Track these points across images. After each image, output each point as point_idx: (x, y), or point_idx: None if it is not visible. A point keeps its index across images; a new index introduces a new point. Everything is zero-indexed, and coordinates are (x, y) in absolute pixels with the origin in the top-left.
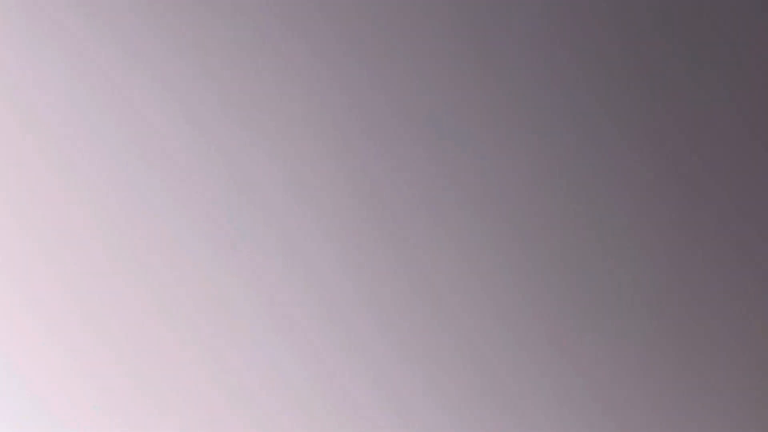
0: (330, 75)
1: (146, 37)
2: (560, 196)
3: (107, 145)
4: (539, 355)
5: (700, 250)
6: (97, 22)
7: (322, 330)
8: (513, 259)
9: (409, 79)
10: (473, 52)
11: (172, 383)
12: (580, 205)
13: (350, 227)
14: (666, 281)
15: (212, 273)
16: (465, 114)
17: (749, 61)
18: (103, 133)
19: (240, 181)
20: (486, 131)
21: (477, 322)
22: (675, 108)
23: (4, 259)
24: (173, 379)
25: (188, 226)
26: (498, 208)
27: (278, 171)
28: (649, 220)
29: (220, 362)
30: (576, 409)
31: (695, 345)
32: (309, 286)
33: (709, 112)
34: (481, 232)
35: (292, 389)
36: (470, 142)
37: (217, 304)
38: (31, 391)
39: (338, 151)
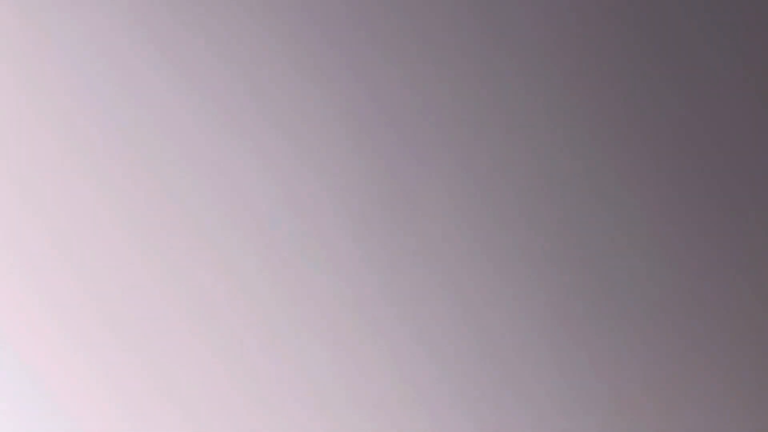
0: (329, 76)
1: (138, 42)
2: (563, 195)
3: (96, 149)
4: (556, 352)
5: (713, 249)
6: (83, 24)
7: (347, 327)
8: (528, 256)
9: (411, 80)
10: (476, 51)
11: (184, 382)
12: (593, 200)
13: (347, 231)
14: (677, 279)
15: (227, 272)
16: (471, 113)
17: (750, 62)
18: (91, 138)
19: (232, 184)
20: (488, 131)
21: (476, 323)
22: (677, 108)
23: (14, 254)
24: (185, 378)
25: (211, 222)
26: (497, 209)
27: (273, 175)
28: (659, 217)
29: (233, 362)
30: (589, 407)
31: (712, 344)
32: (334, 283)
33: (711, 112)
34: (480, 233)
35: (310, 387)
36: (472, 144)
37: (233, 303)
38: (43, 389)
39: (337, 153)
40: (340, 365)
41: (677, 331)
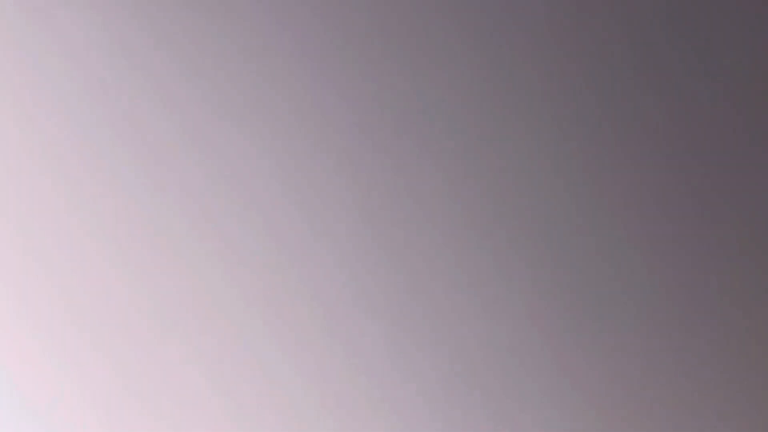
0: (336, 73)
1: (139, 37)
2: (563, 195)
3: (102, 145)
4: (556, 352)
5: (714, 249)
6: (90, 20)
7: (321, 332)
8: (513, 259)
9: (418, 77)
10: (475, 50)
11: (167, 388)
12: (582, 205)
13: (350, 228)
14: (669, 282)
15: (209, 275)
16: (468, 113)
17: (751, 62)
18: (97, 135)
19: (237, 181)
20: (489, 131)
21: (475, 324)
22: (679, 107)
23: (18, 250)
24: (168, 384)
25: (185, 228)
26: (497, 209)
27: (274, 172)
28: (660, 217)
29: (215, 366)
30: (588, 407)
31: (713, 345)
32: (308, 287)
33: (712, 111)
34: (480, 232)
35: (290, 392)
36: (473, 142)
37: (214, 307)
38: (25, 396)
39: (344, 150)
40: (345, 361)
41: (677, 331)
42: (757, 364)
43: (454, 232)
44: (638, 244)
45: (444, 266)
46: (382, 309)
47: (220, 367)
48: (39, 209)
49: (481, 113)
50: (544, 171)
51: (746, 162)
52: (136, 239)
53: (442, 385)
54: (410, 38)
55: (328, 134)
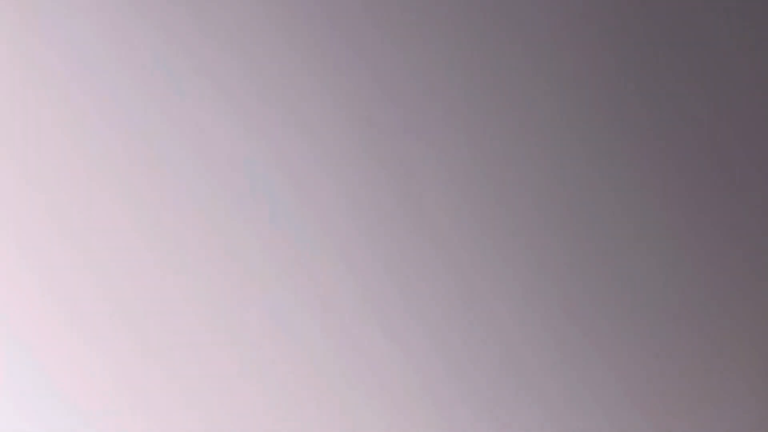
0: (339, 73)
1: (146, 35)
2: (563, 195)
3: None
4: (565, 349)
5: (723, 247)
6: (95, 18)
7: (357, 323)
8: (537, 253)
9: (421, 77)
10: (486, 49)
11: (193, 378)
12: (602, 197)
13: (381, 220)
14: (686, 277)
15: (236, 268)
16: (482, 111)
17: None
18: (104, 132)
19: (245, 181)
20: (500, 128)
21: (497, 318)
22: (687, 108)
23: (23, 251)
24: (193, 375)
25: (221, 217)
26: (497, 208)
27: (283, 172)
28: (668, 214)
29: (243, 358)
30: (597, 404)
31: (722, 343)
32: (313, 287)
33: (720, 111)
34: (480, 232)
35: (319, 383)
36: (488, 138)
37: (243, 300)
38: (52, 384)
39: (347, 151)
40: (350, 361)
41: (686, 329)
42: (757, 364)
43: (463, 231)
44: (650, 241)
45: (453, 265)
46: (382, 309)
47: (239, 365)
48: (51, 204)
49: (490, 112)
50: (554, 170)
51: (746, 162)
52: (143, 239)
53: (452, 381)
54: (419, 37)
55: (333, 133)
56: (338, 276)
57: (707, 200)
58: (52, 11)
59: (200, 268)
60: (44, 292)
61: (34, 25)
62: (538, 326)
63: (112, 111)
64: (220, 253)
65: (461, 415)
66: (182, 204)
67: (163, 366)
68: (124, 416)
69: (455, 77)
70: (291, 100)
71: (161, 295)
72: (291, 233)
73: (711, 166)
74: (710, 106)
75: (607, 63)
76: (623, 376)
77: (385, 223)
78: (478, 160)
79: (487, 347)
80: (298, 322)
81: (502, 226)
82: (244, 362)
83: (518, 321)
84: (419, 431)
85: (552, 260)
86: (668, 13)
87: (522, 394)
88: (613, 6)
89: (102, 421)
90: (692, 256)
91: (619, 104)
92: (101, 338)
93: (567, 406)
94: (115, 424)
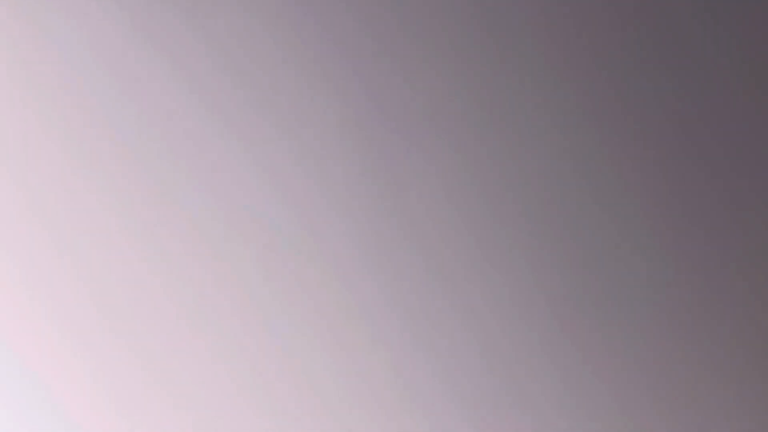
0: (327, 77)
1: (137, 43)
2: (563, 195)
3: (129, 136)
4: (555, 354)
5: (715, 251)
6: (88, 28)
7: (346, 328)
8: (527, 257)
9: (410, 80)
10: (476, 52)
11: (183, 383)
12: (593, 201)
13: (370, 224)
14: (677, 281)
15: (225, 272)
16: (471, 114)
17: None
18: (124, 128)
19: (234, 187)
20: (490, 130)
21: (487, 322)
22: (678, 109)
23: (14, 255)
24: (184, 380)
25: (210, 222)
26: (497, 208)
27: (272, 176)
28: (660, 218)
29: (232, 363)
30: (588, 408)
31: (712, 346)
32: (301, 290)
33: (712, 112)
34: (479, 232)
35: (309, 388)
36: (478, 142)
37: (232, 304)
38: (42, 389)
39: (336, 154)
40: (339, 365)
41: (677, 332)
42: (758, 365)
43: (453, 235)
44: (640, 245)
45: (442, 268)
46: (379, 311)
47: (229, 370)
48: (41, 209)
49: (480, 115)
50: (544, 172)
51: (746, 162)
52: (132, 244)
53: (443, 385)
54: (408, 41)
55: (322, 137)
56: (326, 279)
57: (699, 204)
58: (46, 22)
59: (189, 272)
60: (34, 298)
61: (28, 34)
62: (526, 329)
63: (103, 119)
64: (209, 258)
65: (449, 418)
66: (172, 209)
67: (153, 371)
68: (114, 421)
69: (445, 81)
70: (280, 105)
71: (150, 300)
72: (279, 237)
73: (705, 168)
74: (706, 107)
75: (597, 67)
76: (611, 378)
77: (373, 226)
78: (466, 163)
79: (475, 350)
80: (286, 325)
81: (490, 228)
82: (232, 366)
83: (506, 324)
84: None
85: (540, 263)
86: (661, 15)
87: (510, 397)
88: (603, 8)
89: (92, 426)
90: (682, 259)
91: (610, 107)
92: (91, 344)
93: (554, 408)
94: (104, 430)
